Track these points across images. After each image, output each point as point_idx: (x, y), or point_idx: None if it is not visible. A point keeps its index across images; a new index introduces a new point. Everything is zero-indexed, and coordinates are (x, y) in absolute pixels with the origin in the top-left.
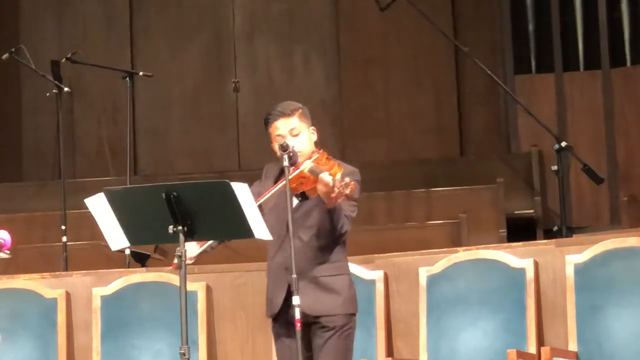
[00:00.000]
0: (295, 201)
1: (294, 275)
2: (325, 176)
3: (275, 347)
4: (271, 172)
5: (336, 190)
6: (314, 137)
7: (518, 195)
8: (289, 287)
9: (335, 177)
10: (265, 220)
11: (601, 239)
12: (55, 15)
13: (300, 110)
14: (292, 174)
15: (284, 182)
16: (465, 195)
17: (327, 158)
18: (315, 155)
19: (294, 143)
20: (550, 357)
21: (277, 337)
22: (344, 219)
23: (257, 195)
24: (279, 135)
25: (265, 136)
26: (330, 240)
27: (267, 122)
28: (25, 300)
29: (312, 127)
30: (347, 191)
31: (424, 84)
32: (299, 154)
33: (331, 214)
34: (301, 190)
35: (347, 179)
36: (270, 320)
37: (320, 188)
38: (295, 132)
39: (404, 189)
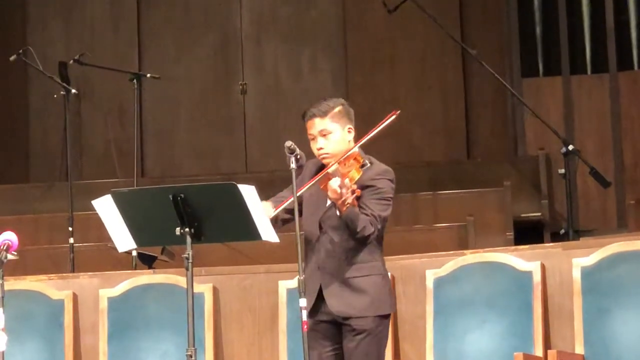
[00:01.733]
0: (328, 201)
1: (301, 277)
2: (333, 182)
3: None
4: (309, 169)
5: (343, 197)
6: (350, 136)
7: (525, 198)
8: (321, 286)
9: (344, 182)
10: (303, 217)
11: (608, 242)
12: (62, 17)
13: (337, 109)
14: (319, 175)
15: (317, 178)
16: (472, 198)
17: (355, 159)
18: (343, 156)
19: (322, 144)
20: None
21: (309, 335)
22: (365, 222)
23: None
24: (309, 134)
25: (271, 137)
26: (358, 241)
27: (303, 119)
28: (33, 302)
29: (350, 127)
30: (349, 200)
31: (431, 87)
32: (328, 155)
33: (344, 220)
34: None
35: (354, 186)
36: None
37: (330, 194)
38: (324, 133)
39: (411, 191)
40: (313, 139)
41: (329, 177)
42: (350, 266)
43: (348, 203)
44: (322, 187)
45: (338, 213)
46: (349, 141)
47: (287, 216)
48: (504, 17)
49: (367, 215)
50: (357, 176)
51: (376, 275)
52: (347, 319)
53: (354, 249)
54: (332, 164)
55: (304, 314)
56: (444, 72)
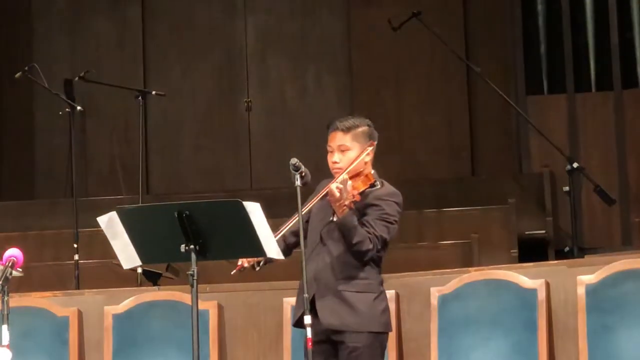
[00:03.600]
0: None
1: (306, 295)
2: (333, 185)
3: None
4: (321, 186)
5: (340, 198)
6: (367, 158)
7: (530, 215)
8: (314, 300)
9: (346, 185)
10: (309, 229)
11: (613, 260)
12: (68, 34)
13: (360, 129)
14: (327, 187)
15: (319, 195)
16: (476, 216)
17: (366, 176)
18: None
19: (338, 159)
20: None
21: (305, 351)
22: (364, 237)
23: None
24: (329, 146)
25: (276, 155)
26: (355, 256)
27: (327, 129)
28: (37, 319)
29: (370, 148)
30: (347, 202)
31: (436, 104)
32: (341, 170)
33: (339, 227)
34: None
35: (354, 192)
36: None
37: (329, 198)
38: (343, 149)
39: (415, 208)
40: (331, 152)
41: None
42: (344, 280)
43: (345, 205)
44: (329, 198)
45: (335, 219)
46: (366, 162)
47: (294, 239)
48: (508, 35)
49: (368, 232)
50: (361, 187)
51: (369, 294)
52: (340, 333)
53: (350, 264)
54: (340, 177)
55: (309, 331)
56: (448, 90)
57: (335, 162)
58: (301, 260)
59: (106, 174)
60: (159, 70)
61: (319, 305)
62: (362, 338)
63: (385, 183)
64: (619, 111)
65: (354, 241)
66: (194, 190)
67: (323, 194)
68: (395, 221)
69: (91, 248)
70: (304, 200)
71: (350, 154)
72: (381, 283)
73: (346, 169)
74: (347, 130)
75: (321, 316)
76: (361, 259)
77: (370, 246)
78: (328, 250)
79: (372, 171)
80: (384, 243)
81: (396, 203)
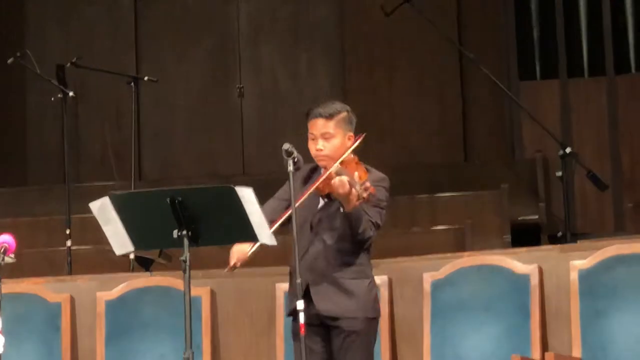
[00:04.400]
0: (322, 202)
1: (299, 280)
2: (343, 177)
3: (293, 346)
4: (300, 174)
5: (354, 191)
6: (348, 144)
7: (522, 201)
8: (308, 287)
9: (355, 177)
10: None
11: (605, 245)
12: (60, 19)
13: (342, 115)
14: (321, 177)
15: (316, 184)
16: (469, 201)
17: (356, 163)
18: (347, 158)
19: (323, 146)
20: None
21: (295, 336)
22: (367, 224)
23: (286, 199)
24: (311, 133)
25: (269, 140)
26: (352, 244)
27: (307, 116)
28: (30, 305)
29: (350, 134)
30: (365, 194)
31: (429, 90)
32: (326, 157)
33: (349, 218)
34: (327, 192)
35: (367, 183)
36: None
37: (337, 189)
38: (327, 136)
39: (408, 194)
40: (313, 139)
41: (331, 176)
42: (339, 268)
43: (363, 197)
44: (322, 187)
45: (343, 210)
46: (348, 148)
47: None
48: (501, 21)
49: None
50: (364, 176)
51: (364, 279)
52: (335, 319)
53: (345, 251)
54: (334, 165)
55: (302, 316)
56: (441, 75)
57: (320, 150)
58: (293, 247)
59: (98, 160)
60: (151, 56)
61: (314, 292)
62: (357, 323)
63: (371, 168)
64: (612, 96)
65: (360, 230)
66: (186, 176)
67: (319, 181)
68: (385, 206)
69: (83, 234)
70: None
71: (334, 141)
72: (371, 268)
73: (339, 158)
74: (329, 116)
75: (317, 304)
76: (362, 246)
77: (372, 233)
78: (321, 239)
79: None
80: (378, 228)
81: (385, 188)
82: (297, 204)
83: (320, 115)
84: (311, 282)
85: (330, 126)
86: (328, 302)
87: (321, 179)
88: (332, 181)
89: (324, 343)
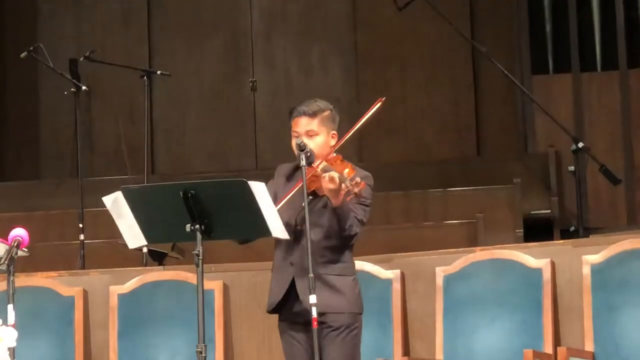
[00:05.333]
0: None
1: (311, 275)
2: (333, 173)
3: (282, 344)
4: (283, 171)
5: (343, 187)
6: (332, 142)
7: (535, 195)
8: (292, 282)
9: (344, 173)
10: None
11: (618, 240)
12: (73, 13)
13: (325, 113)
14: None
15: (301, 182)
16: (482, 195)
17: (341, 160)
18: (330, 157)
19: (307, 143)
20: (566, 357)
21: (283, 333)
22: (354, 221)
23: (272, 196)
24: (295, 132)
25: (282, 135)
26: (339, 241)
27: (290, 115)
28: (43, 298)
29: (334, 132)
30: (356, 190)
31: (441, 84)
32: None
33: (338, 214)
34: (312, 189)
35: (357, 179)
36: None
37: (327, 185)
38: (311, 134)
39: (420, 188)
40: (297, 137)
41: (318, 173)
42: (324, 265)
43: (355, 192)
44: (309, 184)
45: (331, 205)
46: (331, 146)
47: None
48: (513, 14)
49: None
50: (352, 174)
51: (349, 276)
52: (321, 315)
53: (330, 248)
54: (320, 162)
55: (314, 310)
56: (454, 70)
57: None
58: (306, 241)
59: (111, 154)
60: (164, 50)
61: (300, 290)
62: (343, 318)
63: (355, 167)
64: (625, 90)
65: (347, 225)
66: (199, 170)
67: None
68: (370, 204)
69: (96, 228)
70: (274, 181)
71: (318, 139)
72: (354, 265)
73: (323, 156)
74: (313, 114)
75: (304, 301)
76: (347, 243)
77: (358, 230)
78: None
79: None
80: (363, 225)
81: (369, 186)
82: (281, 203)
83: (304, 114)
84: (297, 279)
85: (314, 124)
86: (315, 298)
87: (308, 176)
88: (323, 176)
89: (309, 340)
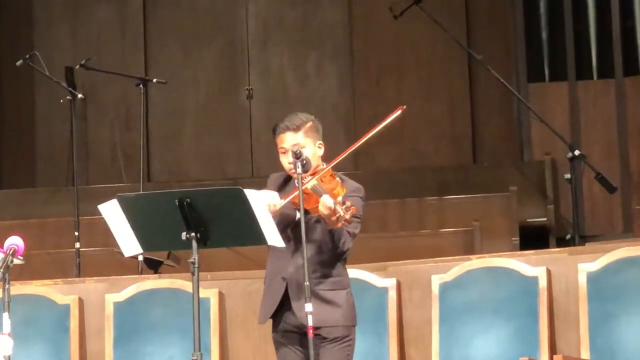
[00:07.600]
0: (298, 215)
1: (307, 283)
2: (327, 199)
3: (276, 355)
4: (274, 181)
5: (337, 214)
6: (320, 152)
7: (531, 203)
8: (285, 295)
9: (337, 199)
10: None
11: (614, 248)
12: (69, 21)
13: (308, 125)
14: (297, 190)
15: (295, 193)
16: (478, 203)
17: (331, 175)
18: (320, 172)
19: (303, 151)
20: None
21: (278, 346)
22: (346, 237)
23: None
24: (280, 148)
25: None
26: (331, 256)
27: (273, 132)
28: (38, 306)
29: (320, 142)
30: (347, 216)
31: (438, 92)
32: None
33: (332, 232)
34: (306, 208)
35: (348, 203)
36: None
37: (322, 210)
38: (298, 147)
39: (416, 196)
40: (284, 153)
41: (307, 191)
42: (319, 280)
43: (346, 219)
44: (296, 201)
45: (326, 225)
46: (319, 157)
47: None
48: (510, 23)
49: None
50: (342, 193)
51: (344, 290)
52: (317, 329)
53: (324, 263)
54: (309, 180)
55: (310, 318)
56: (450, 78)
57: (292, 163)
58: (303, 250)
59: (107, 162)
60: (160, 58)
61: (295, 305)
62: (337, 330)
63: (346, 178)
64: (621, 99)
65: (340, 242)
66: (195, 178)
67: (293, 195)
68: (361, 216)
69: (92, 236)
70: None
71: (306, 151)
72: (348, 277)
73: (317, 166)
74: (297, 128)
75: (300, 317)
76: (339, 257)
77: (351, 245)
78: (299, 251)
79: (323, 164)
80: (354, 238)
81: (361, 198)
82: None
83: (288, 129)
84: (291, 295)
85: (298, 137)
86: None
87: (295, 193)
88: (319, 206)
89: (303, 350)
